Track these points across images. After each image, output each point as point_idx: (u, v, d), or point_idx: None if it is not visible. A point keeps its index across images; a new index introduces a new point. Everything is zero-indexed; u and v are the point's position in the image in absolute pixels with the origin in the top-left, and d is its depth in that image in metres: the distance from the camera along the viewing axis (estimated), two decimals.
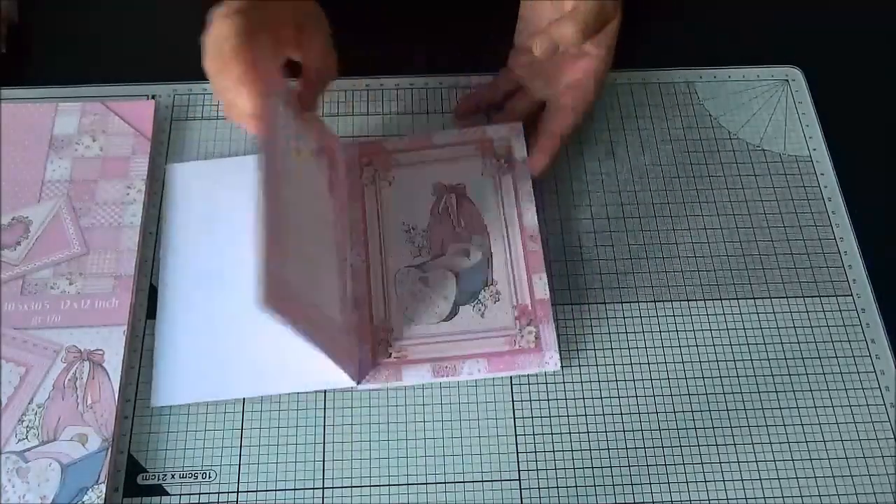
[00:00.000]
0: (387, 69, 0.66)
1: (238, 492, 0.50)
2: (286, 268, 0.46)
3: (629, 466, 0.51)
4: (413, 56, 0.67)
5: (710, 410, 0.53)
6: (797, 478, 0.51)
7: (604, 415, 0.53)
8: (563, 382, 0.54)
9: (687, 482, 0.51)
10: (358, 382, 0.52)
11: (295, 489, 0.50)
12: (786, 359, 0.55)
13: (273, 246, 0.44)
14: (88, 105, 0.61)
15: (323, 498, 0.50)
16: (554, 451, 0.52)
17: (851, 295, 0.57)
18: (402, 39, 0.69)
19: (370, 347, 0.53)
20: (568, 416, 0.53)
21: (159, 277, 0.56)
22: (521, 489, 0.50)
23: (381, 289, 0.55)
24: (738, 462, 0.51)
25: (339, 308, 0.53)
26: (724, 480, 0.51)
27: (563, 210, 0.59)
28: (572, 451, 0.52)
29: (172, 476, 0.50)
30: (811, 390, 0.54)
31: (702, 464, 0.51)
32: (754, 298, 0.57)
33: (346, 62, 0.66)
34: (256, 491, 0.50)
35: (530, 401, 0.53)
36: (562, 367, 0.53)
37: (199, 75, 0.51)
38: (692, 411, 0.53)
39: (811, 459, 0.52)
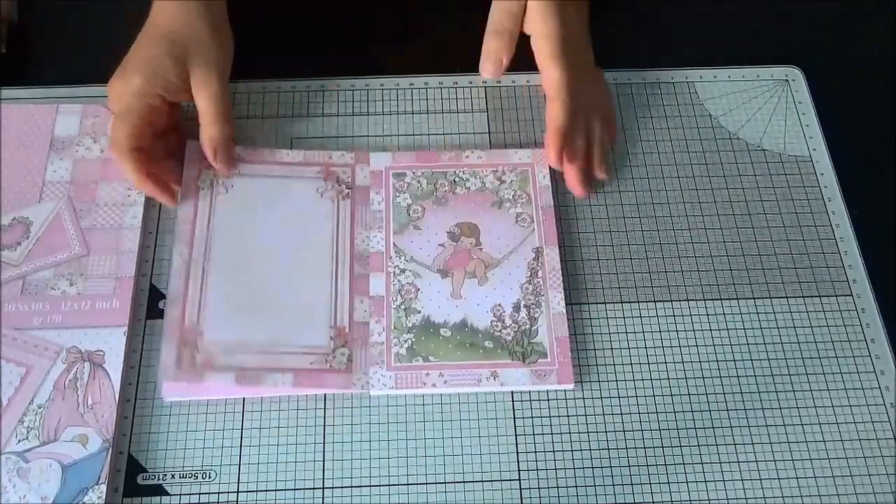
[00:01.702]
0: (387, 69, 0.66)
1: (238, 492, 0.50)
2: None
3: (629, 466, 0.51)
4: (413, 56, 0.67)
5: (710, 410, 0.53)
6: (797, 478, 0.51)
7: (603, 415, 0.53)
8: None
9: (687, 482, 0.51)
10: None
11: (295, 489, 0.50)
12: (786, 359, 0.55)
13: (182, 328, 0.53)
14: (89, 107, 0.62)
15: (323, 498, 0.50)
16: (554, 451, 0.52)
17: (851, 295, 0.57)
18: (401, 39, 0.69)
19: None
20: (568, 416, 0.53)
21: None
22: (521, 489, 0.50)
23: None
24: (738, 462, 0.51)
25: (327, 332, 0.54)
26: (724, 480, 0.51)
27: (563, 210, 0.60)
28: (572, 451, 0.52)
29: (172, 476, 0.50)
30: (811, 390, 0.54)
31: (702, 464, 0.51)
32: (754, 298, 0.57)
33: (346, 62, 0.67)
34: (256, 491, 0.50)
35: (530, 401, 0.53)
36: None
37: None
38: (692, 411, 0.53)
39: (811, 459, 0.52)
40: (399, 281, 0.56)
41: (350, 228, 0.58)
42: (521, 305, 0.55)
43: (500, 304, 0.55)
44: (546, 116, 0.59)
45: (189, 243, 0.56)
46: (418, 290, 0.56)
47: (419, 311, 0.55)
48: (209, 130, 0.57)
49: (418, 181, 0.60)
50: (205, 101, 0.57)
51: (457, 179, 0.60)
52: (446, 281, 0.56)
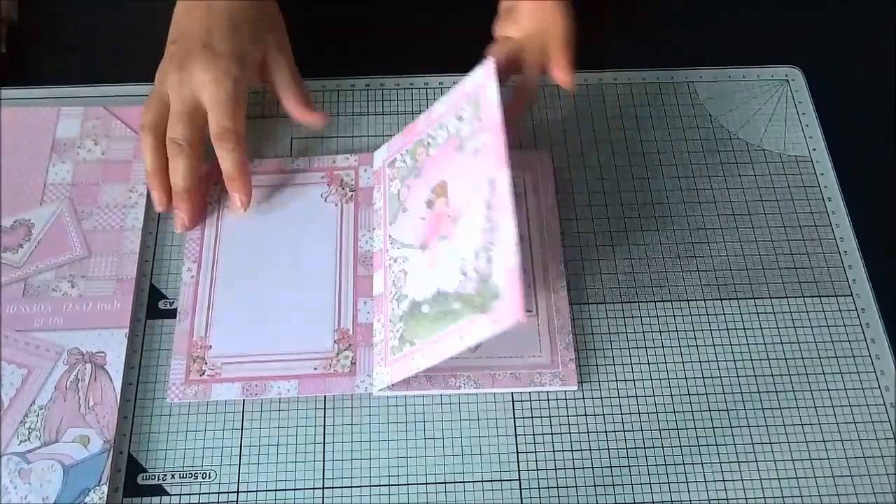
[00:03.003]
0: (387, 69, 0.66)
1: (238, 492, 0.50)
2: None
3: (629, 466, 0.51)
4: (413, 56, 0.67)
5: (710, 410, 0.53)
6: (797, 478, 0.51)
7: (603, 415, 0.53)
8: None
9: (687, 482, 0.51)
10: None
11: (295, 489, 0.50)
12: (786, 359, 0.55)
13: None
14: (90, 109, 0.62)
15: (323, 498, 0.50)
16: (554, 451, 0.52)
17: (851, 295, 0.57)
18: (401, 39, 0.69)
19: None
20: (568, 416, 0.53)
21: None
22: (521, 489, 0.51)
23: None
24: (738, 462, 0.51)
25: (331, 336, 0.54)
26: (724, 480, 0.51)
27: (563, 210, 0.59)
28: (572, 451, 0.52)
29: (172, 476, 0.50)
30: (811, 390, 0.54)
31: (702, 464, 0.51)
32: (754, 298, 0.57)
33: (346, 62, 0.67)
34: (256, 491, 0.50)
35: (530, 401, 0.53)
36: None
37: None
38: (692, 411, 0.53)
39: (811, 459, 0.52)
40: (393, 272, 0.55)
41: (353, 230, 0.58)
42: (480, 249, 0.48)
43: (464, 258, 0.49)
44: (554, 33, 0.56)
45: (197, 259, 0.57)
46: (406, 274, 0.54)
47: (407, 296, 0.53)
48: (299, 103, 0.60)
49: (404, 161, 0.58)
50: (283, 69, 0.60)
51: (430, 141, 0.56)
52: (426, 254, 0.53)
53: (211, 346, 0.54)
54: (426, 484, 0.51)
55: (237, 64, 0.56)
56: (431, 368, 0.52)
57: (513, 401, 0.53)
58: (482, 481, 0.51)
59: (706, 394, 0.53)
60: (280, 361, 0.53)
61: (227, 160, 0.56)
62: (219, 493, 0.50)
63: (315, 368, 0.53)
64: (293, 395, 0.52)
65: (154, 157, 0.56)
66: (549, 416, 0.53)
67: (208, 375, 0.53)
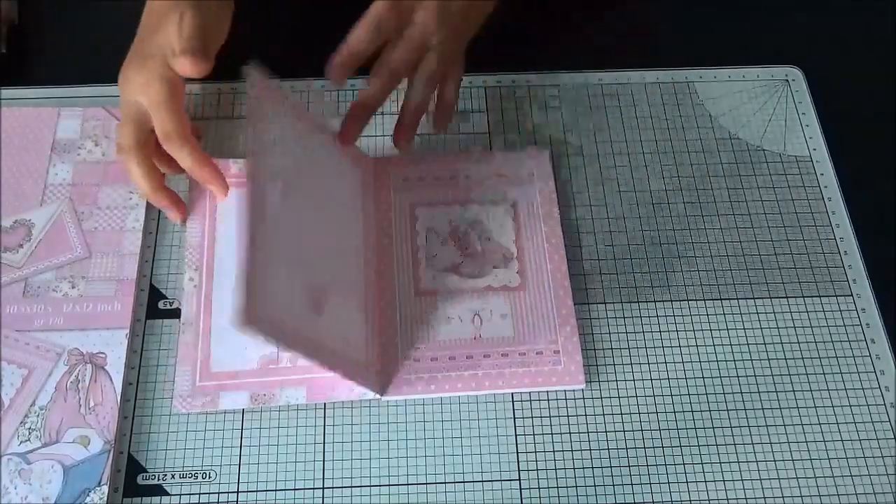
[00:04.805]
0: None
1: (238, 492, 0.50)
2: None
3: (629, 466, 0.51)
4: None
5: (710, 410, 0.53)
6: (797, 478, 0.51)
7: (603, 414, 0.53)
8: None
9: (687, 482, 0.51)
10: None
11: (295, 489, 0.50)
12: (786, 359, 0.55)
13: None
14: (90, 110, 0.62)
15: (323, 498, 0.50)
16: (554, 451, 0.52)
17: (851, 295, 0.57)
18: None
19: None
20: (568, 415, 0.53)
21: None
22: (521, 489, 0.51)
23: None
24: (738, 462, 0.51)
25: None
26: (724, 480, 0.51)
27: (564, 210, 0.60)
28: (572, 451, 0.52)
29: (172, 476, 0.50)
30: (811, 390, 0.54)
31: (702, 464, 0.51)
32: (754, 298, 0.57)
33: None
34: (256, 491, 0.50)
35: (530, 401, 0.53)
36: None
37: None
38: (692, 411, 0.53)
39: (811, 459, 0.52)
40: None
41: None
42: None
43: None
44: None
45: (199, 268, 0.56)
46: None
47: None
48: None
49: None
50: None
51: None
52: None
53: (216, 356, 0.53)
54: (426, 484, 0.51)
55: (165, 64, 0.55)
56: (436, 369, 0.53)
57: (513, 401, 0.53)
58: (482, 481, 0.51)
59: (706, 394, 0.54)
60: (287, 367, 0.53)
61: (182, 159, 0.55)
62: (219, 493, 0.50)
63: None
64: (300, 401, 0.52)
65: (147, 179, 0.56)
66: (549, 416, 0.53)
67: (215, 387, 0.52)
